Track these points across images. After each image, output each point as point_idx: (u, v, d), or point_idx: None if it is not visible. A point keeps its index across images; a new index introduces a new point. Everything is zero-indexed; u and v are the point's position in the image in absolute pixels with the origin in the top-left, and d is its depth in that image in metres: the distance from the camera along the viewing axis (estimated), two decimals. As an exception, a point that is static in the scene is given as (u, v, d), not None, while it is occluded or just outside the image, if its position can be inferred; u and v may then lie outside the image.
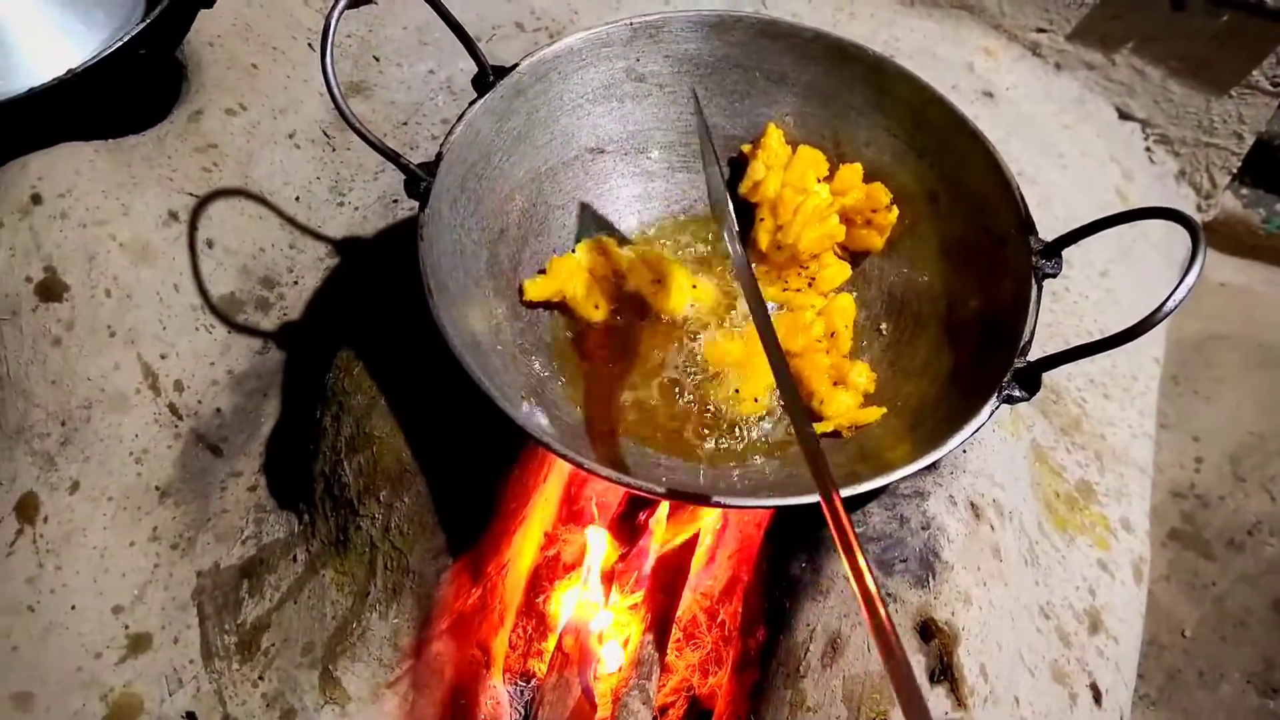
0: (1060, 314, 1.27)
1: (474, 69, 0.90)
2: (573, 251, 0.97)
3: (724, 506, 0.72)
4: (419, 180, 0.82)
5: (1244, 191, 1.66)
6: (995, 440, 0.99)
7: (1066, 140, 1.50)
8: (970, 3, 1.57)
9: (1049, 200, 1.38)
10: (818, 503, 0.71)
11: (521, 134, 0.94)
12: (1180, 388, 1.59)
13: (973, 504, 0.90)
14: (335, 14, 0.75)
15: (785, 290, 0.98)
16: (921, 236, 0.95)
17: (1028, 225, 0.83)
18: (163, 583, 0.99)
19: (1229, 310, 1.67)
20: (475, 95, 0.90)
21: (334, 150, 1.29)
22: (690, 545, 0.99)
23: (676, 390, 0.92)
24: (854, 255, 1.00)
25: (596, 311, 0.94)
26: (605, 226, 1.01)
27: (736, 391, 0.91)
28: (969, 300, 0.88)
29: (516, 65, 0.91)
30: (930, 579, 0.84)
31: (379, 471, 0.91)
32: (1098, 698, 0.96)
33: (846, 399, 0.89)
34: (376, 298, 1.03)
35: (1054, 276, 0.81)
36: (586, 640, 0.94)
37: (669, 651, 0.96)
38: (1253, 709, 1.30)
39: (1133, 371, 1.27)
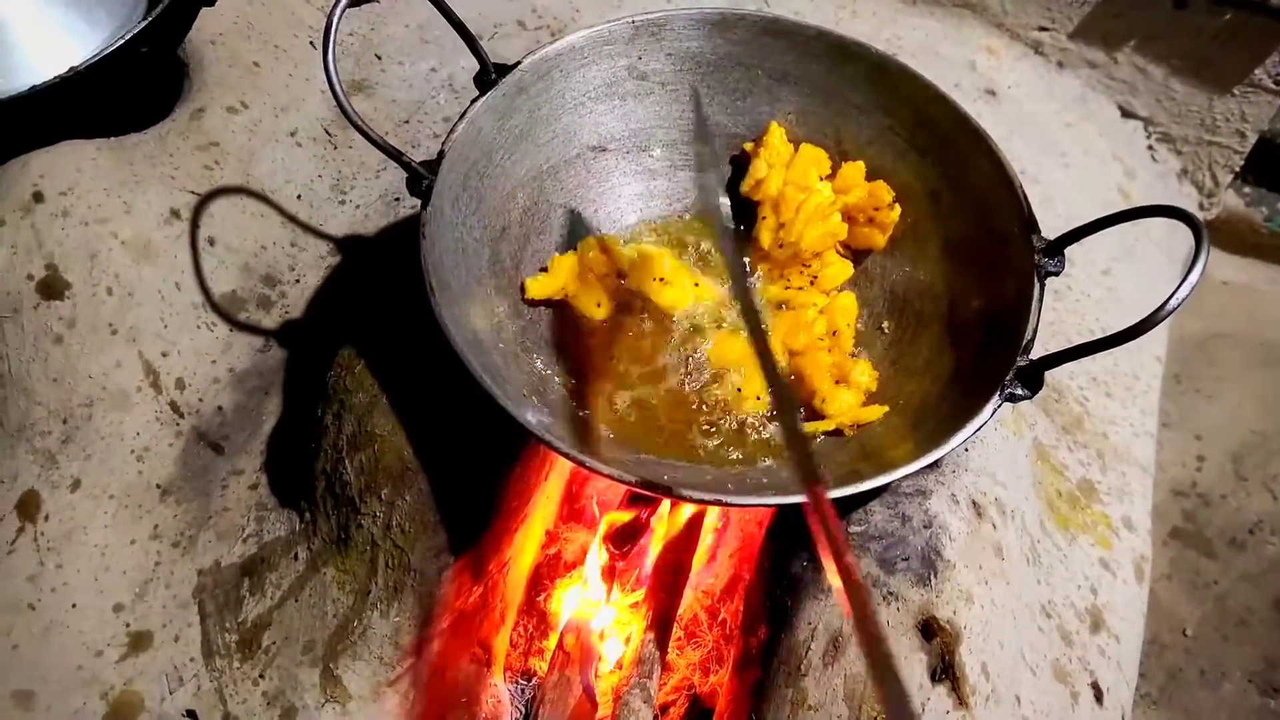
0: (1062, 312, 1.27)
1: (476, 67, 0.90)
2: (574, 250, 0.97)
3: (725, 505, 0.72)
4: (421, 178, 0.82)
5: (1246, 190, 1.66)
6: (997, 439, 0.99)
7: (1069, 139, 1.50)
8: (972, 1, 1.57)
9: (1051, 199, 1.37)
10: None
11: (523, 132, 0.94)
12: (1182, 386, 1.59)
13: (975, 502, 0.90)
14: (337, 12, 0.75)
15: (787, 288, 0.98)
16: (924, 235, 0.95)
17: (1030, 223, 0.83)
18: (164, 581, 0.99)
19: (1231, 309, 1.67)
20: (477, 93, 0.90)
21: (335, 148, 1.29)
22: (692, 544, 0.99)
23: (678, 389, 0.92)
24: (856, 253, 1.00)
25: (598, 310, 0.94)
26: (607, 224, 1.01)
27: (738, 390, 0.91)
28: (971, 299, 0.88)
29: (518, 63, 0.91)
30: (932, 577, 0.83)
31: (380, 470, 0.91)
32: (1099, 697, 0.96)
33: (848, 397, 0.88)
34: (378, 296, 1.03)
35: (1056, 275, 0.81)
36: (588, 639, 0.94)
37: (670, 650, 0.96)
38: (1254, 708, 1.30)
39: (1135, 370, 1.27)
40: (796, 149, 0.99)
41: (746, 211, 1.02)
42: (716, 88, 1.01)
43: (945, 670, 0.80)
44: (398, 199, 1.22)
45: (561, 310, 0.95)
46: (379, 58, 1.40)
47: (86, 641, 0.95)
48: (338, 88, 0.74)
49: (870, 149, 0.98)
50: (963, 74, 1.52)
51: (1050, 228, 0.82)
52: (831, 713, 0.79)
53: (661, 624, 0.93)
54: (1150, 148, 1.57)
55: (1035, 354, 0.76)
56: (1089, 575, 1.04)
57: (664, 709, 0.97)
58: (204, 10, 1.13)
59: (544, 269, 0.95)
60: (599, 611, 0.96)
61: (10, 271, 1.00)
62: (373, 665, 0.90)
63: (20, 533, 0.98)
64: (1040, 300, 0.79)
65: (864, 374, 0.89)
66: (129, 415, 1.03)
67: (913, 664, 0.80)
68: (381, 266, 1.14)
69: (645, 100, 1.00)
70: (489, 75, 0.90)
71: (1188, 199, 1.60)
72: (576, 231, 1.00)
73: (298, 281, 1.17)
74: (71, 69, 0.98)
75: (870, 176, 0.97)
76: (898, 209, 0.95)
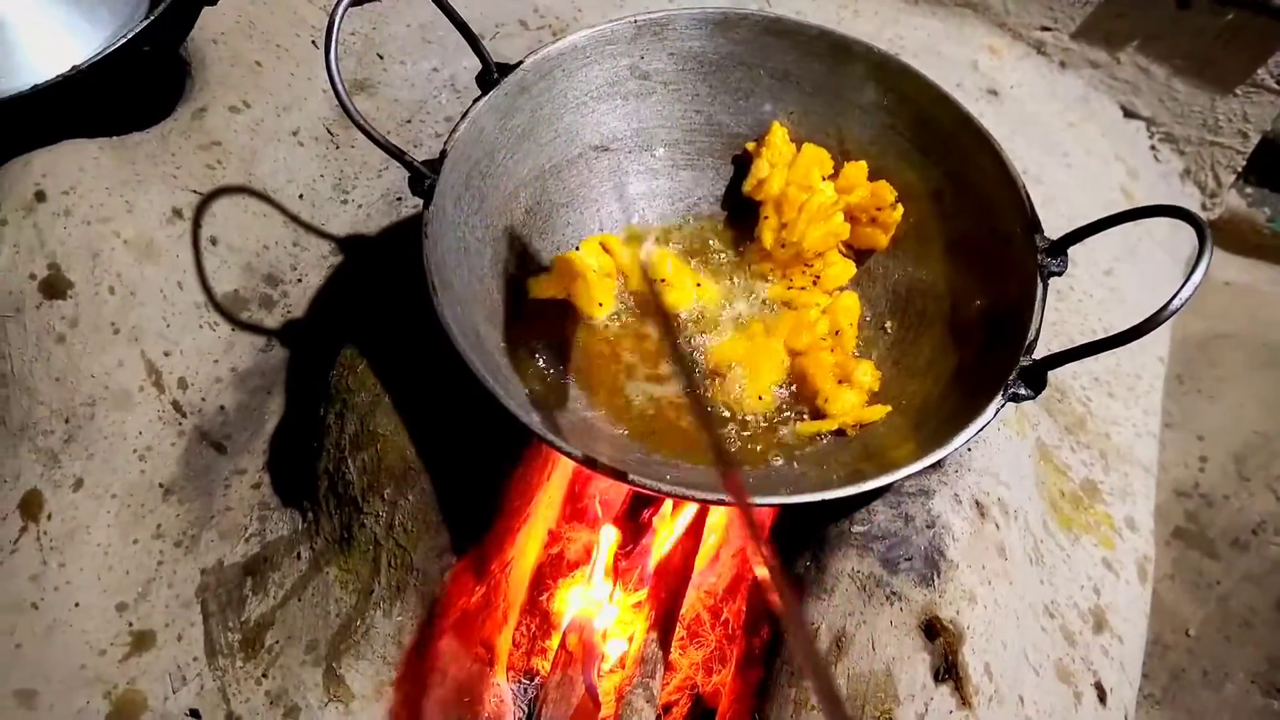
0: (1065, 312, 1.27)
1: (478, 66, 0.90)
2: (577, 249, 0.96)
3: (726, 505, 0.72)
4: (423, 178, 0.82)
5: (1249, 190, 1.65)
6: (1000, 439, 0.99)
7: (1071, 138, 1.49)
8: (974, 1, 1.57)
9: (1053, 199, 1.37)
10: (823, 501, 0.71)
11: (525, 131, 0.94)
12: (1185, 387, 1.59)
13: (978, 503, 0.90)
14: (339, 11, 0.75)
15: (790, 288, 0.98)
16: (926, 235, 0.95)
17: (1033, 223, 0.83)
18: (166, 580, 0.99)
19: (1233, 309, 1.67)
20: (479, 93, 0.90)
21: (338, 148, 1.29)
22: (695, 543, 0.99)
23: (679, 388, 0.92)
24: (859, 253, 1.00)
25: (600, 309, 0.94)
26: (610, 224, 1.01)
27: (740, 389, 0.91)
28: (974, 299, 0.88)
29: (520, 63, 0.91)
30: (935, 578, 0.83)
31: (383, 469, 0.91)
32: (1102, 697, 0.96)
33: (851, 397, 0.88)
34: (380, 295, 1.03)
35: (1059, 275, 0.81)
36: (590, 638, 0.94)
37: (673, 649, 0.96)
38: (1257, 709, 1.30)
39: (1137, 370, 1.27)
40: (799, 149, 0.99)
41: (748, 211, 1.02)
42: (719, 87, 1.01)
43: (948, 670, 0.80)
44: (400, 198, 1.22)
45: (564, 310, 0.95)
46: (381, 57, 1.40)
47: (89, 640, 0.95)
48: (340, 87, 0.74)
49: (873, 149, 0.98)
50: (965, 74, 1.52)
51: (1053, 228, 0.82)
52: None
53: (664, 623, 0.93)
54: (1153, 148, 1.57)
55: (1038, 354, 0.76)
56: (1092, 575, 1.04)
57: (667, 709, 0.97)
58: (206, 9, 1.13)
59: (546, 269, 0.95)
60: (602, 611, 0.96)
61: (12, 271, 1.00)
62: (375, 664, 0.90)
63: (23, 532, 0.98)
64: (1043, 300, 0.79)
65: (866, 374, 0.89)
66: (131, 414, 1.03)
67: (916, 664, 0.80)
68: (384, 266, 1.14)
69: (648, 100, 1.00)
70: (491, 74, 0.90)
71: (1190, 199, 1.59)
72: (578, 231, 1.00)
73: (300, 281, 1.17)
74: (73, 68, 0.98)
75: (873, 176, 0.97)
76: (900, 209, 0.95)
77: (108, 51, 0.99)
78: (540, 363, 0.90)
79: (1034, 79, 1.55)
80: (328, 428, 0.96)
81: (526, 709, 0.96)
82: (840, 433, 0.87)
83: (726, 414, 0.90)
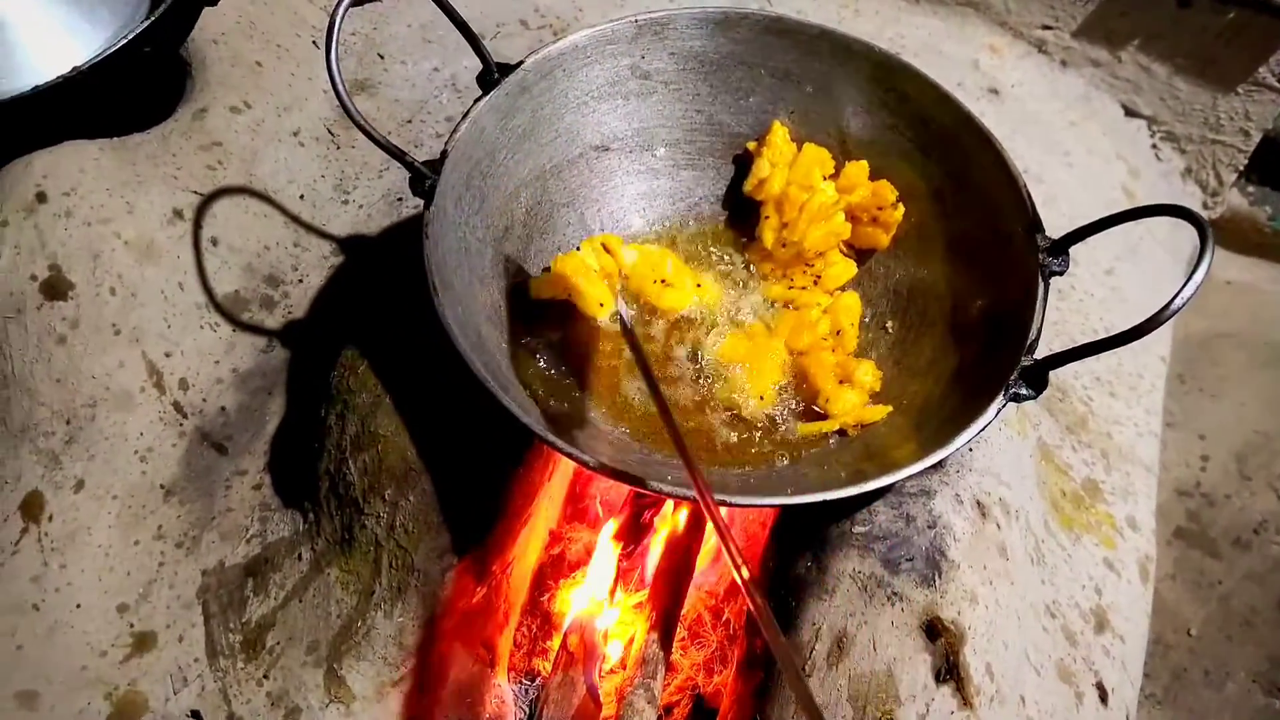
0: (1066, 312, 1.26)
1: (479, 66, 0.90)
2: (577, 249, 0.96)
3: (727, 505, 0.72)
4: (424, 178, 0.82)
5: (1250, 189, 1.65)
6: (1001, 439, 0.99)
7: (1072, 137, 1.49)
8: (976, 0, 1.57)
9: (1055, 198, 1.37)
10: (825, 501, 0.71)
11: (526, 131, 0.94)
12: (1186, 386, 1.58)
13: (979, 503, 0.90)
14: (340, 11, 0.75)
15: (791, 288, 0.98)
16: (927, 234, 0.95)
17: (1034, 223, 0.82)
18: (167, 581, 0.99)
19: (1235, 308, 1.67)
20: (480, 93, 0.89)
21: (338, 148, 1.29)
22: (696, 543, 0.99)
23: (680, 388, 0.92)
24: (860, 253, 1.00)
25: (601, 309, 0.94)
26: (610, 224, 1.01)
27: (742, 390, 0.91)
28: (975, 298, 0.88)
29: (521, 63, 0.91)
30: (936, 578, 0.83)
31: (384, 470, 0.91)
32: (1103, 697, 0.96)
33: (852, 397, 0.88)
34: (381, 296, 1.03)
35: (1060, 274, 0.81)
36: (591, 639, 0.94)
37: (674, 650, 0.96)
38: (1258, 708, 1.30)
39: (1139, 369, 1.27)
40: (800, 148, 0.99)
41: (749, 211, 1.01)
42: (720, 87, 1.01)
43: (950, 671, 0.80)
44: (400, 199, 1.22)
45: (565, 310, 0.95)
46: (382, 57, 1.40)
47: (90, 642, 0.95)
48: (340, 87, 0.74)
49: (874, 148, 0.98)
50: (966, 73, 1.52)
51: (1054, 227, 0.82)
52: (836, 713, 0.79)
53: (665, 624, 0.93)
54: (1154, 147, 1.57)
55: (1039, 354, 0.76)
56: (1093, 575, 1.04)
57: (668, 709, 0.97)
58: (206, 10, 1.13)
59: (547, 269, 0.95)
60: (603, 611, 0.96)
61: (13, 272, 1.00)
62: (376, 666, 0.90)
63: (24, 533, 0.98)
64: (1044, 300, 0.79)
65: (868, 374, 0.89)
66: (132, 416, 1.03)
67: (917, 664, 0.80)
68: (384, 266, 1.14)
69: (648, 99, 1.00)
70: (492, 74, 0.90)
71: (1192, 198, 1.59)
72: (579, 231, 1.00)
73: (301, 281, 1.17)
74: (74, 69, 0.98)
75: (874, 176, 0.97)
76: (901, 208, 0.95)
77: (108, 52, 0.99)
78: (541, 363, 0.90)
79: (1035, 78, 1.55)
80: (329, 428, 0.96)
81: (528, 710, 0.96)
82: (841, 433, 0.87)
83: (727, 414, 0.90)
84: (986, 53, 1.56)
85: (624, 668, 0.95)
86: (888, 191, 0.94)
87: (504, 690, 0.96)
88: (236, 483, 1.04)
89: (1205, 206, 1.61)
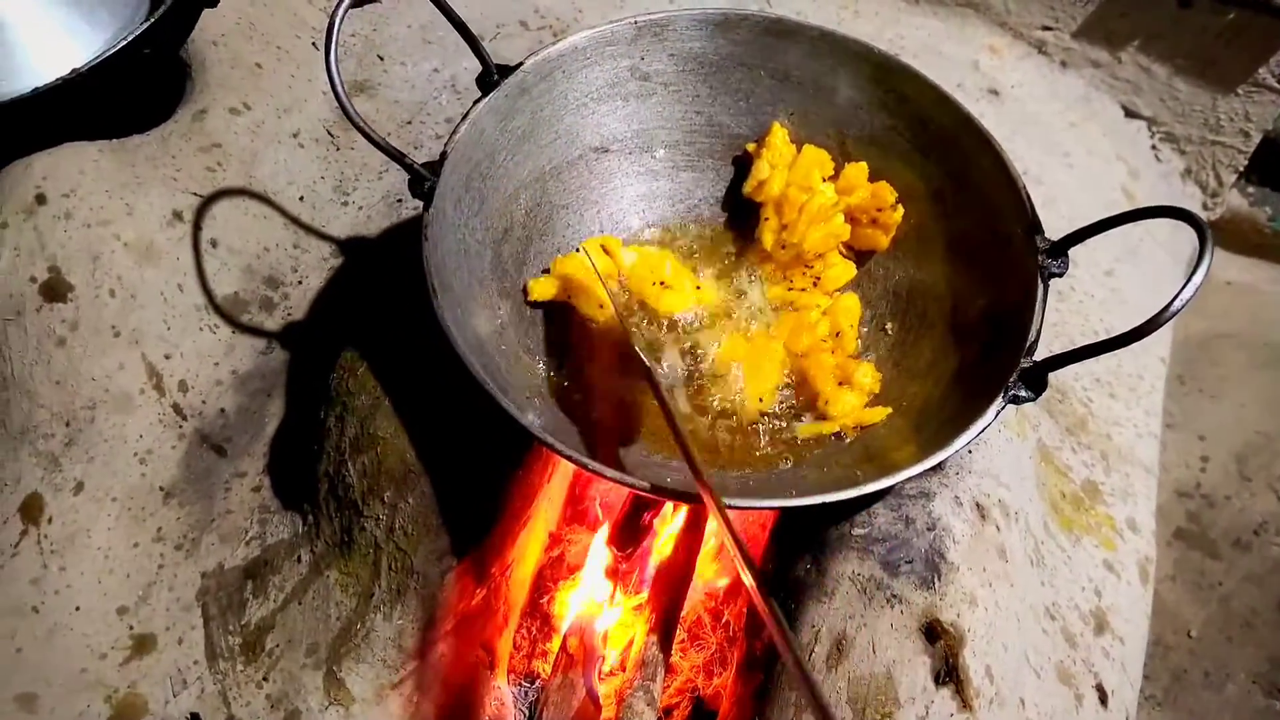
0: (1066, 313, 1.26)
1: (478, 68, 0.90)
2: (577, 251, 0.96)
3: (727, 507, 0.72)
4: (423, 180, 0.82)
5: (1250, 190, 1.65)
6: (1001, 440, 0.99)
7: (1072, 138, 1.49)
8: (975, 1, 1.57)
9: (1054, 199, 1.37)
10: (824, 503, 0.71)
11: (526, 133, 0.94)
12: (1186, 387, 1.58)
13: (978, 505, 0.90)
14: (339, 13, 0.75)
15: (790, 290, 0.98)
16: (927, 236, 0.95)
17: (1034, 224, 0.82)
18: (167, 583, 0.99)
19: (1235, 309, 1.66)
20: (479, 94, 0.89)
21: (338, 149, 1.28)
22: (695, 545, 0.99)
23: (682, 390, 0.92)
24: (859, 254, 1.00)
25: (601, 311, 0.94)
26: (610, 226, 1.01)
27: (741, 391, 0.91)
28: (974, 300, 0.88)
29: (521, 64, 0.91)
30: (936, 580, 0.83)
31: (383, 472, 0.91)
32: (1103, 699, 0.96)
33: (852, 399, 0.88)
34: (380, 298, 1.03)
35: (1060, 276, 0.80)
36: (591, 641, 0.94)
37: (674, 652, 0.96)
38: (1259, 709, 1.29)
39: (1138, 371, 1.27)
40: (799, 150, 0.99)
41: (749, 213, 1.01)
42: (719, 88, 1.01)
43: (949, 673, 0.80)
44: (400, 200, 1.22)
45: (564, 312, 0.95)
46: (381, 58, 1.40)
47: (90, 644, 0.95)
48: (340, 89, 0.74)
49: (873, 150, 0.98)
50: (966, 74, 1.52)
51: (1054, 228, 0.82)
52: (836, 716, 0.79)
53: (665, 626, 0.93)
54: (1154, 147, 1.57)
55: (1039, 355, 0.76)
56: (1093, 577, 1.04)
57: (668, 711, 0.97)
58: (206, 11, 1.13)
59: (546, 270, 0.95)
60: (602, 613, 0.96)
61: (13, 274, 1.00)
62: (376, 668, 0.90)
63: (23, 535, 0.98)
64: (1044, 301, 0.79)
65: (867, 375, 0.89)
66: (132, 418, 1.03)
67: (916, 667, 0.80)
68: (384, 268, 1.14)
69: (648, 101, 1.00)
70: (491, 76, 0.90)
71: (1191, 199, 1.59)
72: (579, 233, 1.00)
73: (300, 283, 1.17)
74: (74, 71, 0.98)
75: (873, 177, 0.97)
76: (901, 210, 0.95)
77: (108, 54, 0.99)
78: (540, 365, 0.90)
79: (1035, 79, 1.55)
80: (328, 430, 0.96)
81: (527, 712, 0.96)
82: (841, 435, 0.87)
83: (727, 416, 0.90)
84: (986, 54, 1.56)
85: (623, 670, 0.95)
86: (887, 193, 0.94)
87: (503, 692, 0.96)
88: (236, 485, 1.04)
89: (1205, 207, 1.61)
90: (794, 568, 0.88)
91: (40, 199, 1.02)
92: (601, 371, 0.92)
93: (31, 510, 0.98)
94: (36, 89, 0.98)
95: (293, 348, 1.13)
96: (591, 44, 0.95)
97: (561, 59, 0.94)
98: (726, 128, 1.02)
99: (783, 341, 0.94)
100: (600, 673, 0.93)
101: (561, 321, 0.95)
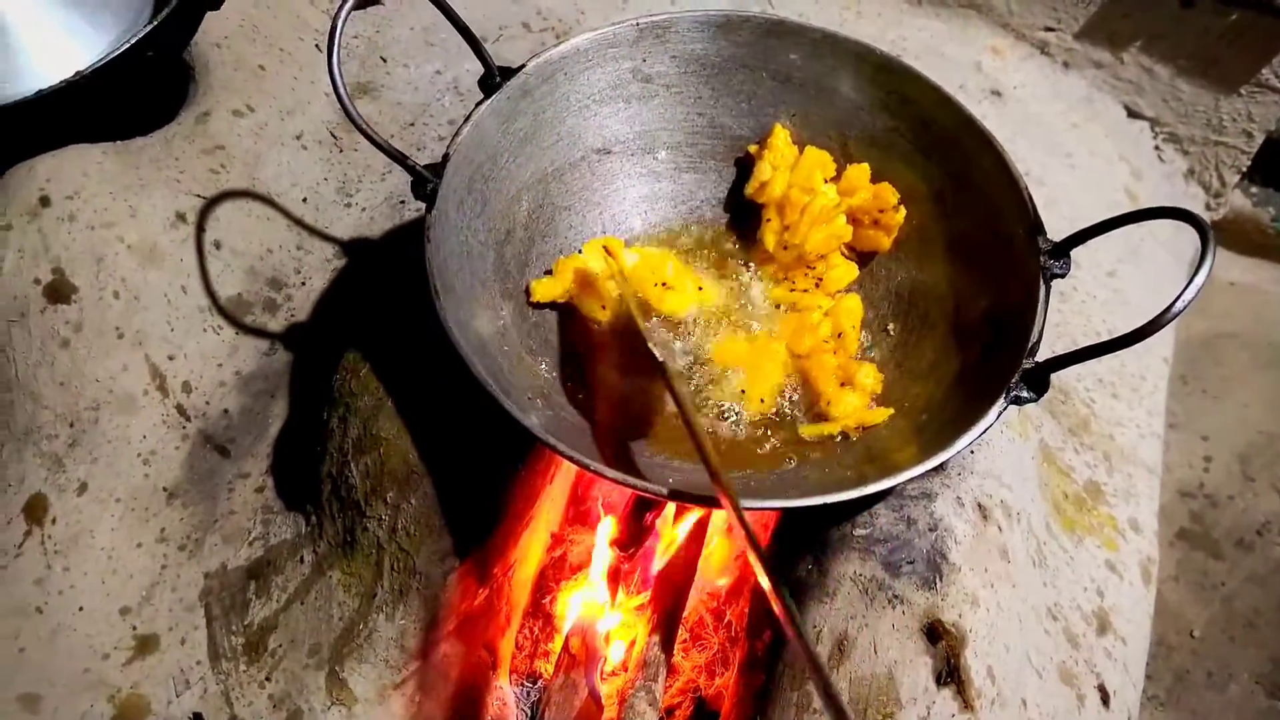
0: (1068, 314, 1.26)
1: (480, 70, 0.90)
2: (579, 252, 0.97)
3: (731, 510, 0.72)
4: (426, 182, 0.82)
5: (1253, 190, 1.65)
6: (1003, 441, 0.99)
7: (1075, 139, 1.49)
8: (978, 2, 1.57)
9: (1057, 200, 1.37)
10: (826, 504, 0.71)
11: (528, 135, 0.94)
12: (1189, 387, 1.58)
13: (980, 505, 0.90)
14: (342, 15, 0.75)
15: (792, 291, 0.98)
16: (929, 237, 0.95)
17: (1036, 225, 0.82)
18: (170, 584, 0.99)
19: (1238, 309, 1.66)
20: (482, 96, 0.90)
21: (341, 151, 1.29)
22: (697, 546, 0.99)
23: (683, 391, 0.92)
24: (861, 255, 1.00)
25: (603, 312, 0.94)
26: (612, 227, 1.01)
27: (742, 392, 0.91)
28: (977, 301, 0.88)
29: (523, 66, 0.91)
30: (937, 581, 0.83)
31: (386, 473, 0.91)
32: (1105, 699, 0.96)
33: (854, 400, 0.88)
34: (383, 299, 1.03)
35: (1062, 276, 0.80)
36: (593, 641, 0.94)
37: (675, 652, 0.96)
38: (1261, 710, 1.29)
39: (1141, 371, 1.27)
40: (801, 151, 0.99)
41: (751, 214, 1.02)
42: (721, 90, 1.01)
43: (951, 674, 0.80)
44: (403, 202, 1.22)
45: (566, 313, 0.95)
46: (384, 60, 1.41)
47: (93, 644, 0.95)
48: (342, 91, 0.74)
49: (875, 151, 0.98)
50: (968, 75, 1.52)
51: (1056, 229, 0.82)
52: (850, 715, 0.79)
53: (667, 626, 0.93)
54: (1157, 148, 1.57)
55: (1041, 356, 0.76)
56: (1095, 577, 1.04)
57: (669, 711, 0.97)
58: (209, 14, 1.13)
59: (549, 272, 0.95)
60: (604, 614, 0.96)
61: (17, 275, 1.00)
62: (378, 668, 0.90)
63: (27, 536, 0.98)
64: (1046, 302, 0.79)
65: (869, 376, 0.89)
66: (135, 419, 1.03)
67: (918, 667, 0.80)
68: (387, 270, 1.14)
69: (650, 103, 1.00)
70: (493, 78, 0.90)
71: (1194, 199, 1.59)
72: (581, 234, 1.00)
73: (303, 284, 1.17)
74: (77, 73, 0.98)
75: (875, 178, 0.97)
76: (903, 211, 0.95)
77: (111, 56, 0.99)
78: (543, 366, 0.90)
79: (1037, 80, 1.55)
80: (331, 431, 0.96)
81: (529, 712, 0.97)
82: (843, 435, 0.87)
83: (728, 417, 0.90)
84: (989, 55, 1.56)
85: (625, 670, 0.95)
86: (889, 194, 0.94)
87: (505, 692, 0.96)
88: (239, 485, 1.04)
89: (1208, 208, 1.61)
90: (795, 568, 0.88)
91: (44, 201, 1.02)
92: (604, 372, 0.92)
93: (35, 511, 0.98)
94: (40, 91, 0.98)
95: (296, 349, 1.13)
96: (593, 46, 0.95)
97: (564, 61, 0.94)
98: (728, 129, 1.02)
99: (785, 342, 0.94)
100: (602, 673, 0.93)
101: (564, 323, 0.95)
